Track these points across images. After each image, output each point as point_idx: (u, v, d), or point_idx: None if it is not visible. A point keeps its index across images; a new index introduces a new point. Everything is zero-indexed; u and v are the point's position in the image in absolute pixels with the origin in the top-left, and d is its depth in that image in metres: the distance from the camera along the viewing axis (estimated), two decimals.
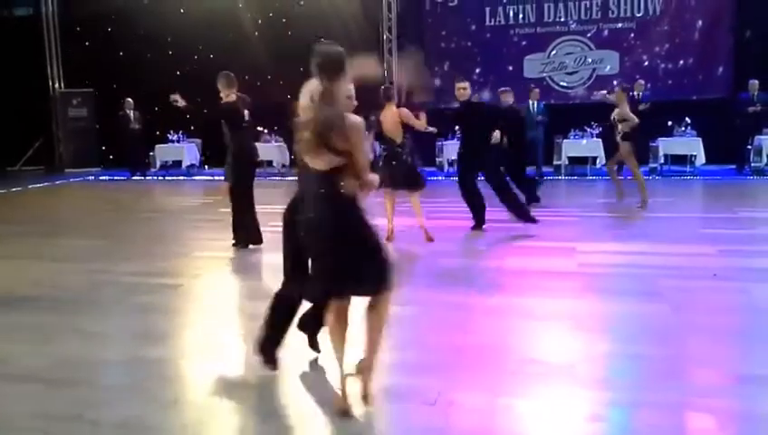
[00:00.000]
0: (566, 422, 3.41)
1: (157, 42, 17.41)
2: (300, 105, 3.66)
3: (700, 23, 15.16)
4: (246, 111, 7.64)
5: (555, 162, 15.02)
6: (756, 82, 13.75)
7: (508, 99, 11.42)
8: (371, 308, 3.53)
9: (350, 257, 3.37)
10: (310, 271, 3.58)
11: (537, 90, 14.53)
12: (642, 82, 14.28)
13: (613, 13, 15.54)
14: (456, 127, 12.30)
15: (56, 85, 18.90)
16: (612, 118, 10.05)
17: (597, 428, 3.36)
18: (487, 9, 16.12)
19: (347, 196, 3.34)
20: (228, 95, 7.57)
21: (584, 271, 6.39)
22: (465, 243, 8.00)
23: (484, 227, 8.46)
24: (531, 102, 14.19)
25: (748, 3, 14.76)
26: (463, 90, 8.40)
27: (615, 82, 14.11)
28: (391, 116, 7.53)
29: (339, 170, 3.32)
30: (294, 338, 4.21)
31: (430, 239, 7.66)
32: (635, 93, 13.49)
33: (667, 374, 3.93)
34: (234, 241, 7.72)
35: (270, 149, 16.00)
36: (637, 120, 9.87)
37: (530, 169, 14.29)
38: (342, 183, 3.31)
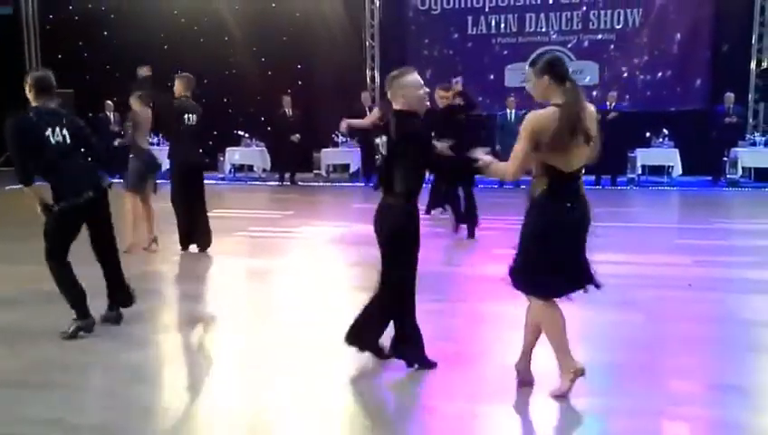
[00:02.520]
0: (543, 430, 3.46)
1: (139, 43, 17.32)
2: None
3: (678, 36, 15.40)
4: (190, 115, 7.54)
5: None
6: (732, 94, 13.99)
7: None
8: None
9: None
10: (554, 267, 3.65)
11: (513, 99, 14.67)
12: (615, 93, 14.44)
13: (594, 24, 15.73)
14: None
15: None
16: None
17: None
18: (469, 18, 16.24)
19: None
20: (180, 97, 7.61)
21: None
22: (446, 250, 8.05)
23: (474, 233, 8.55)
24: (508, 111, 14.34)
25: (725, 18, 15.04)
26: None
27: (594, 93, 14.29)
28: None
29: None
30: (259, 343, 4.21)
31: None
32: (607, 103, 13.74)
33: (642, 383, 3.99)
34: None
35: (251, 154, 15.98)
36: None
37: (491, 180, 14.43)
38: None
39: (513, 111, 14.32)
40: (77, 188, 4.72)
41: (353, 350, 4.17)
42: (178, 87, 7.69)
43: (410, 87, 4.07)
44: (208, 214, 7.82)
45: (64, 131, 4.77)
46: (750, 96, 14.97)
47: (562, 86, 3.58)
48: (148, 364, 4.37)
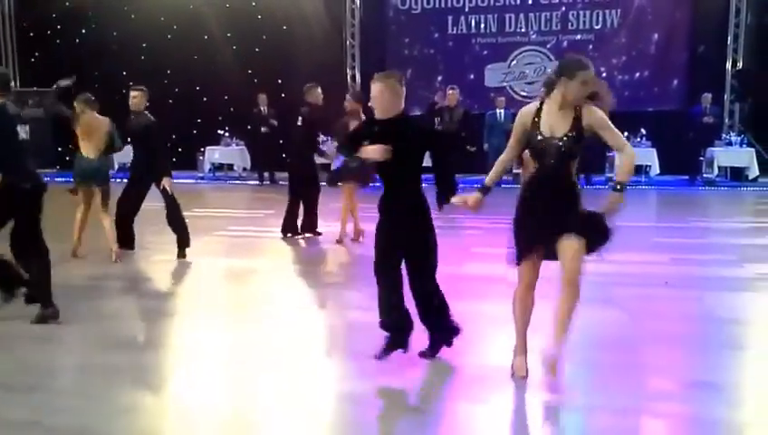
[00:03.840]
0: (524, 427, 3.49)
1: (116, 42, 17.17)
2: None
3: (656, 37, 15.56)
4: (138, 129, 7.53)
5: (515, 170, 15.21)
6: (709, 95, 14.15)
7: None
8: None
9: None
10: None
11: (503, 98, 14.77)
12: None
13: (572, 25, 15.84)
14: None
15: (11, 84, 18.49)
16: None
17: (553, 432, 3.45)
18: (450, 18, 16.29)
19: None
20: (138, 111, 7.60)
21: (541, 277, 6.49)
22: None
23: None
24: (498, 111, 14.42)
25: (702, 19, 15.22)
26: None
27: None
28: None
29: None
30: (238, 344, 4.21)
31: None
32: None
33: (620, 380, 4.04)
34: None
35: (230, 153, 15.90)
36: None
37: (476, 178, 14.47)
38: None
39: (503, 110, 14.38)
40: (27, 177, 5.01)
41: (338, 347, 4.17)
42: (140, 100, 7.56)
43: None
44: (184, 213, 7.76)
45: (26, 128, 4.98)
46: (726, 96, 15.16)
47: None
48: (130, 365, 4.35)
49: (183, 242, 7.53)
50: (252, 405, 3.82)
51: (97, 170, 7.36)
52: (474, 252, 7.76)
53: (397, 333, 4.20)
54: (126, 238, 7.60)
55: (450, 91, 11.07)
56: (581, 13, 15.78)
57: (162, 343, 4.85)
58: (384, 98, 4.17)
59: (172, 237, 7.56)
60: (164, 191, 7.48)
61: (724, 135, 14.57)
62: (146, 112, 7.62)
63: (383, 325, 4.23)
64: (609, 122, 3.80)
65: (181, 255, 7.47)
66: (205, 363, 4.40)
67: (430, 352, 4.27)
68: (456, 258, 7.48)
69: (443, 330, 4.30)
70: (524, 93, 16.02)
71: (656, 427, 3.51)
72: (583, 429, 3.53)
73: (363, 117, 7.77)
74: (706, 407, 3.64)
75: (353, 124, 7.48)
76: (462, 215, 8.90)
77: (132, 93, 7.58)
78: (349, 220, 8.18)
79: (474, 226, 9.36)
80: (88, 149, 7.32)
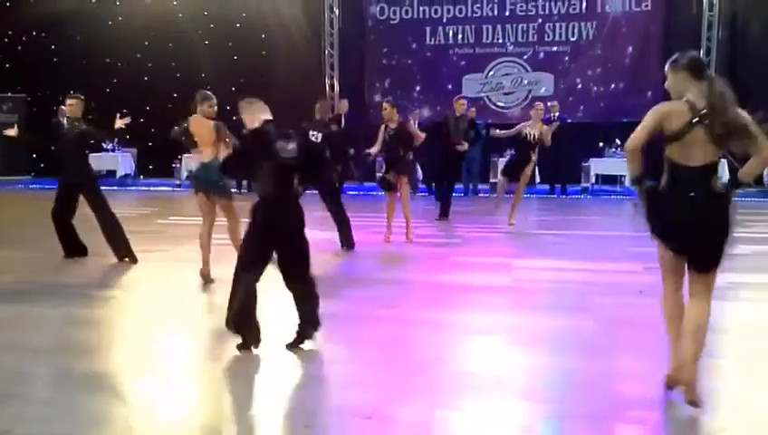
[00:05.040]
0: (499, 434, 3.51)
1: (93, 48, 17.05)
2: None
3: (630, 49, 15.80)
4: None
5: (492, 180, 15.34)
6: None
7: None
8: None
9: None
10: None
11: (473, 109, 14.85)
12: (557, 103, 14.67)
13: (549, 36, 16.04)
14: None
15: None
16: (533, 136, 9.92)
17: None
18: (428, 28, 16.41)
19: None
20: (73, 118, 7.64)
21: (519, 286, 6.56)
22: (403, 257, 8.09)
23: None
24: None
25: (674, 33, 15.50)
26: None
27: (549, 104, 14.53)
28: None
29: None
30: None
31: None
32: (550, 114, 14.00)
33: (595, 387, 4.08)
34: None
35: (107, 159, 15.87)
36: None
37: (459, 187, 14.59)
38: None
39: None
40: None
41: (307, 356, 4.16)
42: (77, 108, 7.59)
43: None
44: (161, 220, 7.74)
45: None
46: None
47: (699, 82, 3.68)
48: (102, 373, 4.30)
49: (117, 247, 7.54)
50: (222, 411, 3.79)
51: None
52: (453, 261, 7.79)
53: (249, 332, 4.53)
54: (76, 246, 7.64)
55: (459, 101, 11.19)
56: (558, 25, 15.98)
57: (136, 352, 4.80)
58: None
59: (149, 246, 7.51)
60: (91, 198, 7.56)
61: None
62: (81, 120, 7.65)
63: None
64: None
65: (120, 257, 7.52)
66: (179, 373, 4.37)
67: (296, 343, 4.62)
68: (436, 267, 7.52)
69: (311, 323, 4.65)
70: (501, 104, 16.18)
71: (631, 433, 3.54)
72: None
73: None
74: (681, 413, 3.68)
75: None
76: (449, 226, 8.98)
77: (69, 101, 7.65)
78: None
79: (453, 234, 9.42)
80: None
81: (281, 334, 5.30)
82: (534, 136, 9.82)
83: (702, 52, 15.27)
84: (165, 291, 6.75)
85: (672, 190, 3.68)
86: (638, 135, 3.76)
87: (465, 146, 10.62)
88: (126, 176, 16.49)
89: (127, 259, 7.55)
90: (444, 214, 10.92)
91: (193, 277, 7.15)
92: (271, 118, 4.71)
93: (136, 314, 5.74)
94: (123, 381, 4.22)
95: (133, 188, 16.03)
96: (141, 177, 17.01)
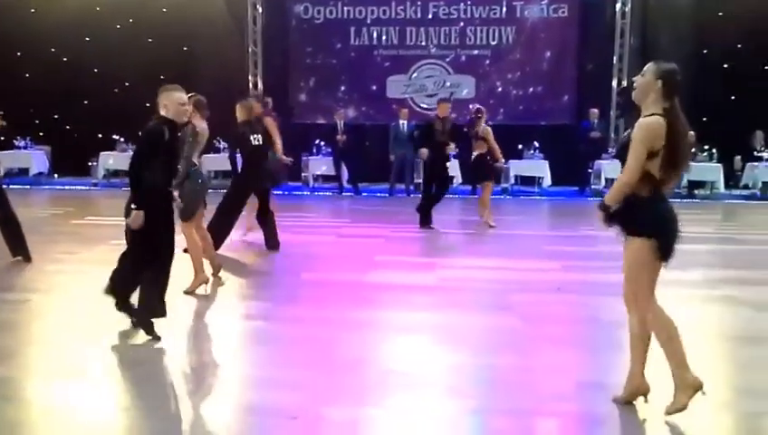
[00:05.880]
0: (425, 431, 3.58)
1: (4, 42, 16.29)
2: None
3: (548, 54, 16.28)
4: None
5: (416, 180, 15.52)
6: (596, 110, 14.99)
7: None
8: None
9: None
10: None
11: (406, 110, 15.11)
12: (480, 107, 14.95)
13: (470, 40, 16.34)
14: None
15: None
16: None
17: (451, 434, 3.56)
18: (352, 29, 16.44)
19: None
20: None
21: (443, 285, 6.68)
22: (329, 257, 8.10)
23: None
24: (401, 122, 14.70)
25: (590, 39, 16.12)
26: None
27: (471, 106, 14.80)
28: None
29: None
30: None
31: None
32: (472, 117, 14.29)
33: (518, 382, 4.22)
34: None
35: (125, 158, 15.31)
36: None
37: (399, 187, 14.74)
38: None
39: (405, 121, 14.73)
40: None
41: (230, 357, 4.13)
42: None
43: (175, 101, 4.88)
44: (77, 221, 7.50)
45: None
46: (612, 112, 16.05)
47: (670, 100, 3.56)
48: (14, 379, 4.15)
49: (12, 244, 7.31)
50: (140, 414, 3.73)
51: None
52: (377, 260, 7.86)
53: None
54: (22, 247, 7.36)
55: (443, 104, 11.26)
56: (479, 29, 16.31)
57: (54, 357, 4.65)
58: None
59: (65, 247, 7.27)
60: None
61: (610, 148, 15.39)
62: None
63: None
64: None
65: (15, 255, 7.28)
66: (91, 377, 4.26)
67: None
68: (361, 266, 7.57)
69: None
70: (425, 105, 16.37)
71: (550, 426, 3.69)
72: (481, 431, 3.66)
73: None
74: (596, 405, 3.86)
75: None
76: (366, 224, 9.06)
77: None
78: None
79: (377, 234, 9.50)
80: None
81: (199, 334, 5.25)
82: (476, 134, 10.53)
83: (615, 58, 15.93)
84: (82, 293, 6.55)
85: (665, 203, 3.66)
86: (636, 167, 3.51)
87: (453, 146, 10.56)
88: (40, 174, 15.83)
89: (20, 258, 7.31)
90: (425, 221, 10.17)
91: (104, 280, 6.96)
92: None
93: (51, 318, 5.55)
94: (37, 385, 4.09)
95: (47, 186, 15.41)
96: (56, 175, 16.37)
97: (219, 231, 7.51)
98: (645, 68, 3.69)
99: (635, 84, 3.71)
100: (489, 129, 10.43)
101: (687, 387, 3.59)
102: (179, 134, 5.40)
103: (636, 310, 3.72)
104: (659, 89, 3.58)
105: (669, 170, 3.59)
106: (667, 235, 3.59)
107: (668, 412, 3.61)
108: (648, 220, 3.59)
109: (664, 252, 3.59)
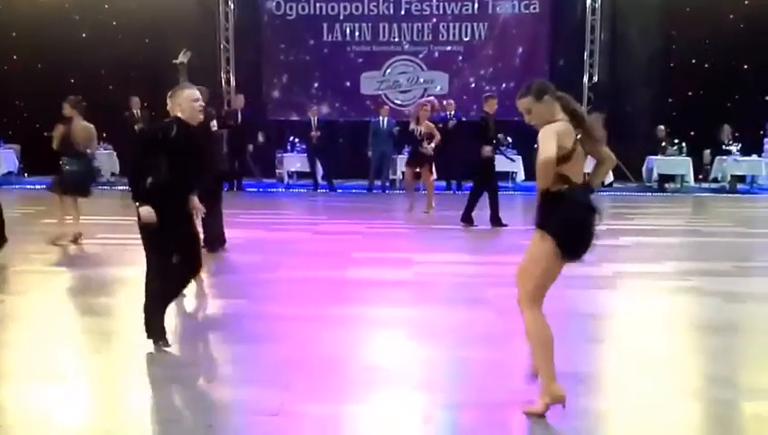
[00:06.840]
0: (403, 425, 3.63)
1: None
2: None
3: (520, 50, 16.41)
4: None
5: (391, 177, 15.58)
6: None
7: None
8: None
9: None
10: None
11: (387, 106, 15.15)
12: (452, 102, 15.09)
13: (443, 36, 16.41)
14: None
15: None
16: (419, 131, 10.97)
17: (429, 428, 3.61)
18: (325, 25, 16.42)
19: None
20: None
21: (419, 280, 6.74)
22: (305, 254, 8.11)
23: None
24: (381, 118, 14.71)
25: (560, 35, 16.32)
26: None
27: (445, 102, 14.88)
28: None
29: None
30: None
31: None
32: (446, 112, 14.41)
33: (492, 375, 4.29)
34: None
35: (98, 157, 15.16)
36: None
37: (377, 183, 14.77)
38: None
39: (386, 118, 14.72)
40: None
41: (210, 355, 4.15)
42: None
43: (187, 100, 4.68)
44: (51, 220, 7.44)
45: None
46: (583, 108, 16.22)
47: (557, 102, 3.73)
48: None
49: None
50: (119, 415, 3.73)
51: None
52: (354, 257, 7.89)
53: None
54: None
55: (491, 100, 11.36)
56: (451, 25, 16.37)
57: (27, 359, 4.62)
58: None
59: (38, 247, 7.18)
60: None
61: None
62: None
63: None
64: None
65: None
66: (72, 379, 4.25)
67: None
68: (337, 263, 7.59)
69: None
70: (399, 102, 16.41)
71: (522, 417, 3.75)
72: (457, 424, 3.72)
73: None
74: (570, 396, 3.91)
75: None
76: (344, 220, 9.08)
77: None
78: None
79: (353, 231, 9.53)
80: None
81: (177, 332, 5.24)
82: (421, 132, 10.86)
83: (586, 54, 16.11)
84: (56, 295, 6.50)
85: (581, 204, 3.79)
86: (550, 147, 3.64)
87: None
88: (9, 173, 15.60)
89: None
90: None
91: (86, 280, 6.92)
92: None
93: (25, 320, 5.50)
94: (14, 388, 4.06)
95: (17, 186, 15.17)
96: (26, 174, 16.13)
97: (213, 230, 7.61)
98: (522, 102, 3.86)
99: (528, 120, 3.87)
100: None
101: (549, 396, 3.63)
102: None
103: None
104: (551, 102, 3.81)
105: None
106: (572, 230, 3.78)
107: (525, 411, 3.67)
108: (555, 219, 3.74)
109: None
